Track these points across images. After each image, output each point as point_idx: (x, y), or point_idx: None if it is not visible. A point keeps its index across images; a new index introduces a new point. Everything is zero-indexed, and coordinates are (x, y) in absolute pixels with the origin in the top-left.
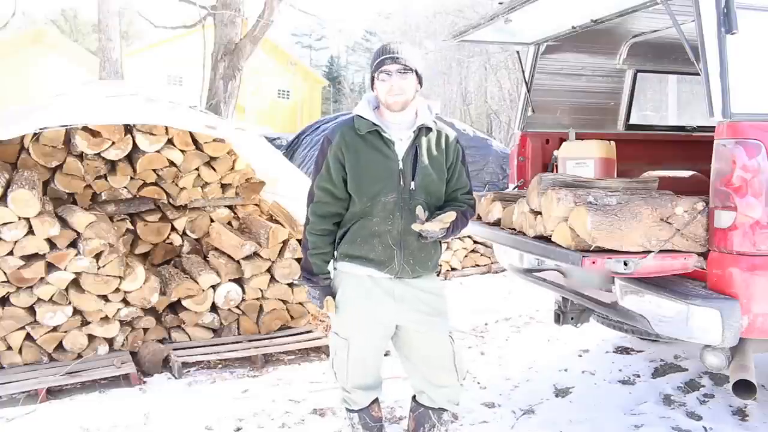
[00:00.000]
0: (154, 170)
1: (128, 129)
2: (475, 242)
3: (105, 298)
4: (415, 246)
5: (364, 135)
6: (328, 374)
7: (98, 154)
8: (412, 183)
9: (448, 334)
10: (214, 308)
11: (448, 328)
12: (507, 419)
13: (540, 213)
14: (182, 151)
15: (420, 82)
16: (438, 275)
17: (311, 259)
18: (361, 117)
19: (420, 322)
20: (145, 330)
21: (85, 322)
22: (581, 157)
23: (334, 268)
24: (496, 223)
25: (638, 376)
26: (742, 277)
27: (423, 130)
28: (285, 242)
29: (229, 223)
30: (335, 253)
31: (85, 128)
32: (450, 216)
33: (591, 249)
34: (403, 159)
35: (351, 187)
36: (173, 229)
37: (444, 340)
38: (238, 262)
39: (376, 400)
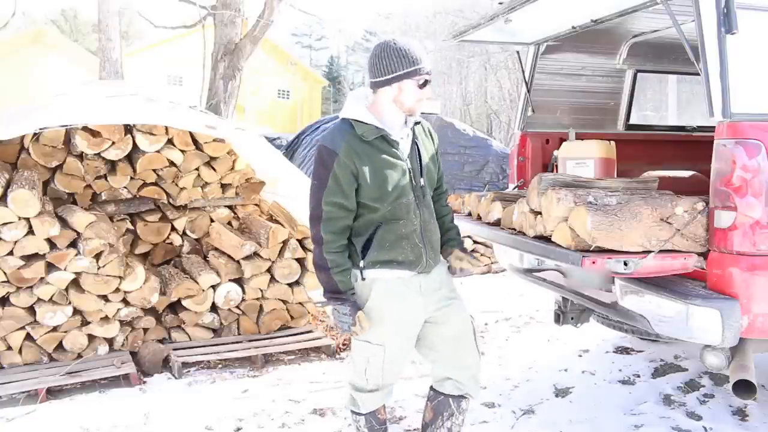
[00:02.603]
0: (154, 170)
1: (128, 129)
2: (475, 242)
3: (105, 298)
4: (433, 239)
5: (371, 141)
6: (328, 374)
7: (98, 154)
8: (422, 180)
9: (469, 313)
10: (214, 308)
11: (465, 306)
12: (507, 419)
13: (540, 213)
14: (182, 151)
15: None
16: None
17: (336, 278)
18: (363, 122)
19: (444, 307)
20: (145, 330)
21: (85, 322)
22: (581, 157)
23: (363, 278)
24: (496, 223)
25: (638, 376)
26: (742, 277)
27: (414, 124)
28: (285, 242)
29: (229, 223)
30: (361, 262)
31: (85, 128)
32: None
33: (591, 249)
34: (409, 158)
35: (369, 196)
36: (173, 229)
37: (466, 318)
38: (238, 262)
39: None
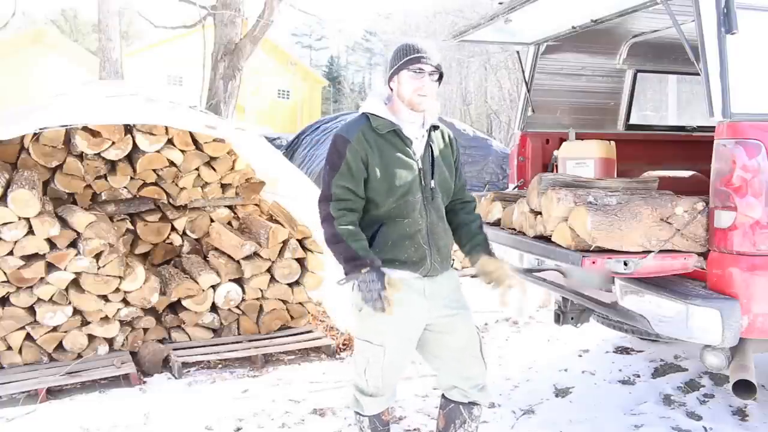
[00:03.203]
0: (154, 170)
1: (128, 129)
2: None
3: (105, 298)
4: (441, 243)
5: (384, 134)
6: (328, 374)
7: (98, 154)
8: (432, 181)
9: (474, 324)
10: (214, 308)
11: (473, 319)
12: (507, 419)
13: (540, 213)
14: (182, 151)
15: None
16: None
17: (354, 246)
18: (378, 116)
19: (449, 316)
20: (145, 330)
21: (85, 322)
22: (581, 157)
23: None
24: (496, 223)
25: (638, 376)
26: (742, 277)
27: (431, 128)
28: (285, 242)
29: (229, 223)
30: None
31: (85, 128)
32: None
33: (591, 249)
34: (421, 158)
35: (377, 189)
36: (173, 229)
37: (472, 329)
38: (238, 262)
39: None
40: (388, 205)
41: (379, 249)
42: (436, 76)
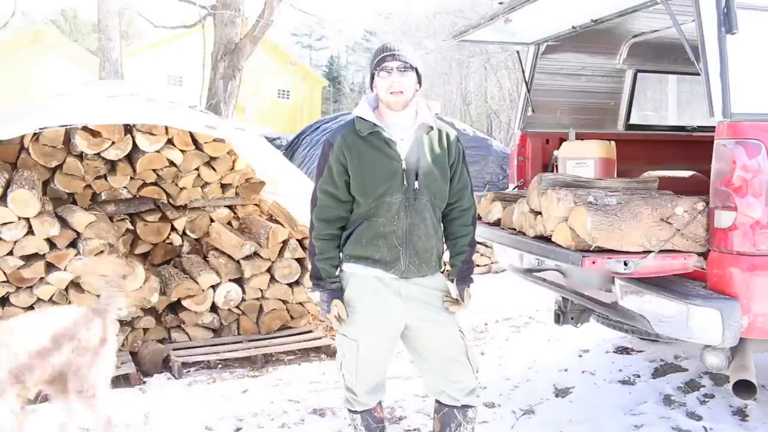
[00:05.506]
0: (154, 170)
1: (128, 129)
2: (476, 242)
3: None
4: (420, 246)
5: (366, 136)
6: (328, 374)
7: (98, 154)
8: (416, 182)
9: (458, 329)
10: (214, 308)
11: (458, 323)
12: (507, 419)
13: (540, 213)
14: (182, 151)
15: (419, 81)
16: (443, 273)
17: (318, 265)
18: (362, 118)
19: (429, 320)
20: (145, 330)
21: None
22: (581, 157)
23: (341, 270)
24: (496, 223)
25: (638, 376)
26: (742, 277)
27: (424, 128)
28: (285, 242)
29: (229, 223)
30: (341, 255)
31: (85, 128)
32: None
33: (591, 249)
34: (405, 159)
35: (355, 189)
36: (173, 229)
37: (455, 334)
38: (238, 262)
39: (379, 401)
40: (367, 205)
41: (352, 245)
42: (409, 72)
